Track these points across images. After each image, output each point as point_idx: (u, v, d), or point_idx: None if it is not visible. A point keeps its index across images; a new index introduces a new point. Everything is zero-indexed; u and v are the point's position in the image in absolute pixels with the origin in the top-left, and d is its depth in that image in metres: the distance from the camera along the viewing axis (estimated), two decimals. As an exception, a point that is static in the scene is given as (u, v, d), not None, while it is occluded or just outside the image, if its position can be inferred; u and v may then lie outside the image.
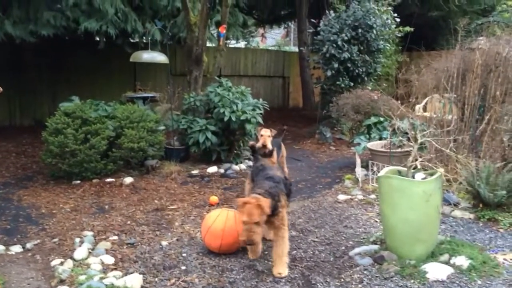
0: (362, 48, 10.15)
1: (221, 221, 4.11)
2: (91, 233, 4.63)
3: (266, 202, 3.46)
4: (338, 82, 10.05)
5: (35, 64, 10.99)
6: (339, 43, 9.90)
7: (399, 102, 8.01)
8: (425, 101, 7.32)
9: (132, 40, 10.77)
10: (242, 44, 17.29)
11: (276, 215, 3.66)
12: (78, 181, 6.43)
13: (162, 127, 7.66)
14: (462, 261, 3.71)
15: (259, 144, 5.81)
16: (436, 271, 3.60)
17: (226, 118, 7.22)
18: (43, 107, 11.05)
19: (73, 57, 11.22)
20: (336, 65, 9.95)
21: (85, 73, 11.34)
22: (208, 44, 10.78)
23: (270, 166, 4.17)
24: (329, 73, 10.10)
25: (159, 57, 7.68)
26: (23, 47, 9.78)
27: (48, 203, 5.64)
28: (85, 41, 10.71)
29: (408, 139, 5.01)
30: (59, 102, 7.33)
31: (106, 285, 3.43)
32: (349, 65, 9.99)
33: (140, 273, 3.71)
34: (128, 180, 6.52)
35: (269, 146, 5.75)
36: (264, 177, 3.89)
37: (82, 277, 3.58)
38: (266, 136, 5.74)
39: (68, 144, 6.26)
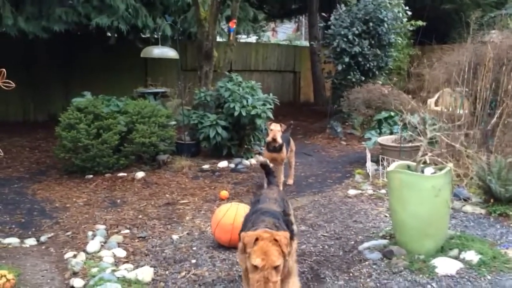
0: (373, 42, 10.08)
1: (231, 216, 4.15)
2: (103, 226, 4.71)
3: (285, 235, 2.52)
4: (349, 77, 10.01)
5: (48, 60, 11.13)
6: (350, 37, 9.85)
7: (410, 96, 7.96)
8: (437, 95, 7.28)
9: (143, 36, 10.84)
10: (253, 38, 17.29)
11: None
12: (91, 176, 6.52)
13: (173, 122, 7.72)
14: (472, 256, 3.70)
15: (268, 139, 5.84)
16: (445, 266, 3.59)
17: (236, 113, 7.25)
18: (56, 102, 11.19)
19: (85, 53, 11.33)
20: (347, 60, 9.91)
21: (97, 69, 11.45)
22: (219, 39, 10.84)
23: (266, 196, 3.18)
24: (340, 67, 10.07)
25: (170, 53, 7.73)
26: (36, 43, 9.90)
27: (62, 197, 5.74)
28: (97, 37, 10.80)
29: (419, 134, 4.99)
30: (72, 98, 7.43)
31: (118, 277, 3.49)
32: (360, 59, 9.94)
33: (151, 266, 3.78)
34: (140, 174, 6.59)
35: (279, 140, 5.77)
36: (258, 212, 2.94)
37: (94, 270, 3.65)
38: (276, 130, 5.76)
39: (80, 139, 6.35)
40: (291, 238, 2.75)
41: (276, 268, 2.37)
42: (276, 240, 2.42)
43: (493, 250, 3.81)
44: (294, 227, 3.16)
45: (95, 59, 11.43)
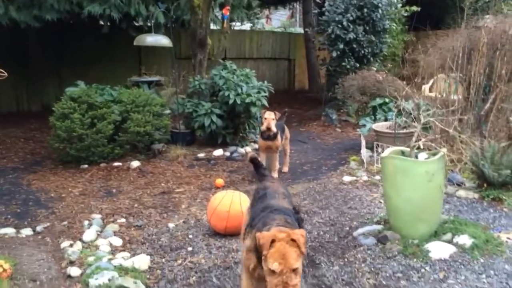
0: (367, 28, 10.05)
1: (226, 203, 4.17)
2: (99, 216, 4.72)
3: (302, 233, 2.35)
4: (343, 63, 9.99)
5: (40, 50, 11.02)
6: (345, 23, 9.81)
7: (405, 82, 7.96)
8: (431, 81, 7.28)
9: (136, 24, 10.74)
10: (247, 26, 17.15)
11: None
12: (86, 166, 6.51)
13: (168, 111, 7.70)
14: (465, 240, 3.75)
15: (263, 127, 5.85)
16: (438, 250, 3.64)
17: (231, 101, 7.24)
18: (50, 92, 11.12)
19: (78, 42, 11.22)
20: (341, 46, 9.88)
21: (90, 58, 11.35)
22: (212, 27, 10.74)
23: (274, 191, 2.95)
24: (334, 54, 10.04)
25: (163, 40, 7.67)
26: (28, 32, 9.80)
27: (57, 187, 5.74)
28: (89, 25, 10.69)
29: (413, 120, 5.01)
30: (65, 87, 7.37)
31: (115, 266, 3.51)
32: (354, 45, 9.92)
33: (147, 254, 3.80)
34: (135, 164, 6.59)
35: (273, 129, 5.78)
36: (269, 209, 2.72)
37: (91, 259, 3.67)
38: (270, 119, 5.77)
39: (75, 129, 6.32)
40: None
41: (295, 270, 2.21)
42: (293, 240, 2.25)
43: (486, 234, 3.86)
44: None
45: (88, 48, 11.32)
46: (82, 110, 6.54)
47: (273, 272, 2.18)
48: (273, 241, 2.24)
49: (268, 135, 5.87)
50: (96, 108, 6.64)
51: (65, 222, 4.60)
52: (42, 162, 6.88)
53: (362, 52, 10.03)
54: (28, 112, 11.05)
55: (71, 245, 3.98)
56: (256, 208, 2.85)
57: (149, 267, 3.62)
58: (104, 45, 11.22)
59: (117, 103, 7.00)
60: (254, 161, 3.52)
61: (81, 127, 6.38)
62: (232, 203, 4.16)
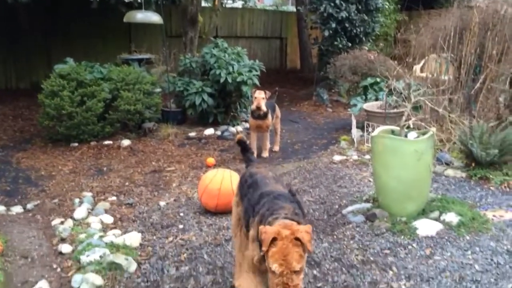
0: (360, 7, 9.97)
1: (217, 181, 4.18)
2: (90, 194, 4.72)
3: (307, 229, 2.14)
4: (335, 43, 9.93)
5: (29, 26, 10.80)
6: (337, 1, 9.72)
7: (396, 62, 7.96)
8: (422, 61, 7.29)
9: (126, 0, 10.53)
10: (239, 3, 16.92)
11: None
12: (76, 144, 6.48)
13: (159, 90, 7.64)
14: (452, 217, 3.81)
15: (253, 107, 5.84)
16: (426, 227, 3.70)
17: (222, 80, 7.20)
18: (38, 69, 10.93)
19: (67, 19, 11.01)
20: (333, 25, 9.81)
21: (79, 35, 11.15)
22: (203, 4, 10.59)
23: (263, 177, 2.72)
24: (326, 33, 9.97)
25: (154, 17, 7.55)
26: (17, 9, 9.58)
27: (47, 165, 5.71)
28: (79, 1, 10.47)
29: (404, 100, 5.03)
30: (53, 65, 7.28)
31: (106, 243, 3.53)
32: (347, 24, 9.85)
33: (138, 232, 3.82)
34: (126, 142, 6.57)
35: (263, 108, 5.77)
36: (271, 195, 2.47)
37: (82, 236, 3.69)
38: (260, 98, 5.75)
39: (64, 107, 6.27)
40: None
41: (296, 272, 2.04)
42: (297, 239, 2.06)
43: (472, 211, 3.93)
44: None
45: (77, 25, 11.10)
46: (72, 88, 6.47)
47: (273, 271, 2.05)
48: (274, 238, 2.06)
49: (258, 114, 5.87)
50: (86, 85, 6.57)
51: (56, 200, 4.60)
52: (31, 140, 6.82)
53: (355, 31, 9.97)
54: (16, 90, 10.89)
55: (62, 223, 3.99)
56: (250, 197, 2.62)
57: (140, 244, 3.64)
58: (93, 21, 11.01)
59: (107, 81, 6.93)
60: (241, 143, 3.32)
61: (70, 105, 6.32)
62: (223, 181, 4.18)
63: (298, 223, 2.22)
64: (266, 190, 2.54)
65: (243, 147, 3.31)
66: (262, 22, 15.49)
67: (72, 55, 7.59)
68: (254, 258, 2.34)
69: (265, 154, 6.11)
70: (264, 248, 2.08)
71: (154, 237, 3.79)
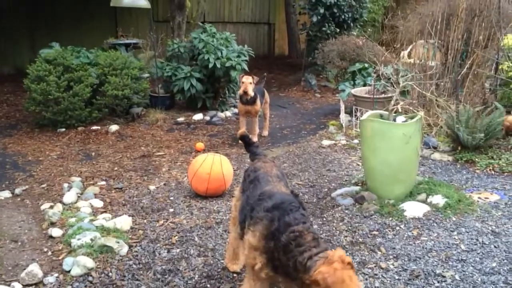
0: (348, -8, 9.95)
1: (207, 166, 4.19)
2: (79, 178, 4.70)
3: (341, 252, 2.07)
4: (324, 28, 9.91)
5: (12, 10, 10.57)
6: (325, -13, 9.68)
7: (384, 48, 7.99)
8: (410, 47, 7.33)
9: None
10: (226, -11, 16.77)
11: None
12: (63, 129, 6.42)
13: (146, 75, 7.58)
14: (438, 199, 3.90)
15: (240, 91, 5.83)
16: (413, 209, 3.78)
17: (211, 65, 7.16)
18: (23, 54, 10.74)
19: (51, 1, 10.80)
20: (322, 11, 9.78)
21: (64, 19, 10.95)
22: (191, -11, 10.45)
23: (266, 173, 2.61)
24: (315, 18, 9.93)
25: (140, 2, 7.45)
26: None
27: (34, 150, 5.65)
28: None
29: (392, 85, 5.07)
30: (38, 49, 7.15)
31: (97, 226, 3.53)
32: (335, 10, 9.82)
33: (129, 216, 3.83)
34: (114, 127, 6.52)
35: (250, 92, 5.76)
36: (271, 198, 2.34)
37: (72, 220, 3.68)
38: (247, 82, 5.74)
39: (51, 92, 6.19)
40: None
41: None
42: (349, 263, 2.01)
43: (458, 194, 4.02)
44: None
45: (62, 8, 10.91)
46: (58, 73, 6.38)
47: None
48: (332, 276, 1.93)
49: (246, 99, 5.86)
50: (72, 70, 6.49)
51: (44, 185, 4.57)
52: (17, 125, 6.73)
53: (343, 17, 9.96)
54: (0, 75, 10.70)
55: (51, 207, 3.97)
56: (250, 194, 2.53)
57: (131, 228, 3.65)
58: (78, 4, 10.84)
59: (94, 66, 6.85)
60: (244, 138, 3.20)
61: (57, 90, 6.25)
62: (213, 165, 4.19)
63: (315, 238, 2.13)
64: (265, 190, 2.44)
65: (246, 141, 3.20)
66: (249, 7, 15.37)
67: (57, 39, 7.48)
68: (256, 266, 2.25)
69: (254, 138, 6.12)
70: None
71: (145, 221, 3.80)
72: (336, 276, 1.93)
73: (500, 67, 6.03)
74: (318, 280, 1.93)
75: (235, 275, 2.99)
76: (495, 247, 3.24)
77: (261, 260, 2.22)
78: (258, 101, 5.99)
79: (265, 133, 6.48)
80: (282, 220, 2.19)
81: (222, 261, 3.14)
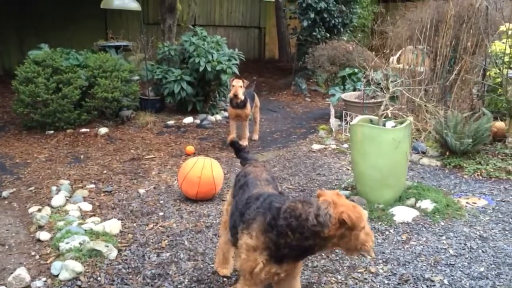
0: (338, -2, 10.02)
1: (198, 169, 4.18)
2: (67, 181, 4.65)
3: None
4: (314, 33, 9.96)
5: (0, 10, 10.46)
6: (316, -8, 9.73)
7: (374, 53, 8.06)
8: (399, 53, 7.41)
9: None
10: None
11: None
12: (52, 131, 6.36)
13: (137, 77, 7.54)
14: (427, 204, 3.93)
15: (230, 95, 5.83)
16: (402, 213, 3.81)
17: (201, 68, 7.15)
18: (11, 55, 10.63)
19: (40, 3, 10.71)
20: (312, 15, 9.83)
21: (53, 20, 10.86)
22: (182, -8, 10.43)
23: (255, 177, 2.62)
24: (305, 23, 9.98)
25: (131, 4, 7.42)
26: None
27: (22, 153, 5.59)
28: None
29: (382, 90, 5.12)
30: (27, 51, 7.09)
31: (85, 230, 3.50)
32: (325, 15, 9.88)
33: (118, 219, 3.80)
34: (103, 130, 6.48)
35: (241, 96, 5.77)
36: (258, 199, 2.37)
37: (60, 223, 3.64)
38: (237, 86, 5.74)
39: (39, 94, 6.13)
40: None
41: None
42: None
43: (447, 199, 4.06)
44: None
45: (51, 9, 10.82)
46: (47, 74, 6.32)
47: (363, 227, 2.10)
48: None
49: (236, 103, 5.87)
50: (62, 72, 6.44)
51: (32, 188, 4.52)
52: (5, 127, 6.66)
53: (333, 22, 10.02)
54: (-13, 76, 10.58)
55: (39, 210, 3.93)
56: (239, 200, 2.53)
57: (121, 231, 3.63)
58: (68, 6, 10.76)
59: (84, 68, 6.80)
60: (234, 144, 3.21)
61: (45, 91, 6.19)
62: (204, 169, 4.18)
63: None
64: (253, 193, 2.45)
65: (236, 147, 3.20)
66: (240, 11, 15.40)
67: (46, 41, 7.41)
68: (257, 267, 2.21)
69: (245, 142, 6.13)
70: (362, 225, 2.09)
71: (134, 224, 3.77)
72: (356, 211, 2.08)
73: (487, 73, 6.12)
74: (344, 220, 2.03)
75: (225, 279, 2.98)
76: (483, 251, 3.28)
77: (263, 259, 2.20)
78: (248, 105, 6.00)
79: (256, 137, 6.49)
80: (273, 208, 2.22)
81: (212, 265, 3.13)
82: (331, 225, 2.05)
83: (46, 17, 10.79)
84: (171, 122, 7.19)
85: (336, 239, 2.09)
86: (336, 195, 2.15)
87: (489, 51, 5.98)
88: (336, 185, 4.63)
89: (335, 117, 6.75)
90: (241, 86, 5.78)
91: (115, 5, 7.43)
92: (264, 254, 2.19)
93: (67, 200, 4.21)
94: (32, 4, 10.66)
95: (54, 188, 4.44)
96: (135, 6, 7.38)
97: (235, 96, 5.76)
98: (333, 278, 2.98)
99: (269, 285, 2.56)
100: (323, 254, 3.25)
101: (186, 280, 2.97)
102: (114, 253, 3.24)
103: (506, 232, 3.58)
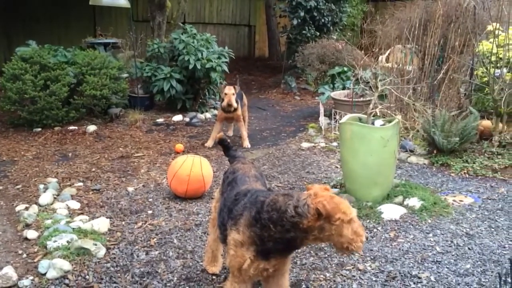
0: (328, -3, 10.06)
1: (187, 167, 4.17)
2: (55, 179, 4.61)
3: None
4: (304, 32, 9.99)
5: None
6: (306, -10, 9.76)
7: (363, 52, 8.10)
8: (388, 52, 7.46)
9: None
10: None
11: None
12: (39, 129, 6.30)
13: (125, 75, 7.50)
14: (414, 202, 3.97)
15: (224, 104, 5.78)
16: (390, 211, 3.84)
17: (191, 66, 7.13)
18: (-2, 54, 10.51)
19: (29, 0, 10.58)
20: (302, 14, 9.86)
21: (42, 17, 10.73)
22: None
23: (244, 174, 2.62)
24: (295, 21, 10.01)
25: (120, 1, 7.37)
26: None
27: (9, 150, 5.53)
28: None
29: (370, 88, 5.15)
30: (14, 47, 7.01)
31: (73, 228, 3.48)
32: (315, 14, 9.92)
33: (107, 217, 3.78)
34: (92, 128, 6.43)
35: (234, 104, 5.74)
36: (246, 195, 2.37)
37: (48, 222, 3.61)
38: (230, 94, 5.73)
39: (27, 91, 6.07)
40: None
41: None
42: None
43: (434, 196, 4.10)
44: None
45: (39, 6, 10.70)
46: (34, 72, 6.26)
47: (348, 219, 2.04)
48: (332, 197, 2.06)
49: (229, 110, 5.82)
50: (49, 69, 6.38)
51: (19, 186, 4.47)
52: (-8, 125, 6.59)
53: (323, 20, 10.06)
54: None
55: (26, 209, 3.89)
56: (227, 196, 2.52)
57: (109, 230, 3.61)
58: (56, 2, 10.64)
59: (72, 65, 6.75)
60: (223, 142, 3.16)
61: (33, 89, 6.13)
62: (193, 166, 4.18)
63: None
64: (241, 190, 2.44)
65: (225, 145, 3.15)
66: (230, 9, 15.37)
67: (33, 37, 7.34)
68: (245, 263, 2.20)
69: (246, 143, 6.04)
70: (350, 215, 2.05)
71: (123, 223, 3.76)
72: (333, 201, 2.02)
73: (475, 72, 6.19)
74: (319, 209, 1.99)
75: (214, 277, 2.98)
76: (469, 249, 3.32)
77: (250, 255, 2.20)
78: (239, 106, 5.97)
79: (247, 144, 6.45)
80: (258, 202, 2.22)
81: (201, 263, 3.13)
82: (310, 216, 2.02)
83: (34, 14, 10.65)
84: (160, 120, 7.16)
85: (316, 231, 2.05)
86: (323, 189, 2.12)
87: (477, 50, 6.05)
88: (325, 183, 4.64)
89: (325, 115, 6.78)
90: (233, 93, 5.75)
91: (104, 2, 7.38)
92: (251, 249, 2.19)
93: (54, 198, 4.18)
94: (19, 1, 10.52)
95: (41, 186, 4.40)
96: (124, 3, 7.34)
97: (229, 105, 5.72)
98: (322, 276, 3.00)
99: (259, 283, 2.57)
100: (311, 252, 3.27)
101: (175, 278, 2.97)
102: (102, 252, 3.23)
103: (492, 229, 3.63)
